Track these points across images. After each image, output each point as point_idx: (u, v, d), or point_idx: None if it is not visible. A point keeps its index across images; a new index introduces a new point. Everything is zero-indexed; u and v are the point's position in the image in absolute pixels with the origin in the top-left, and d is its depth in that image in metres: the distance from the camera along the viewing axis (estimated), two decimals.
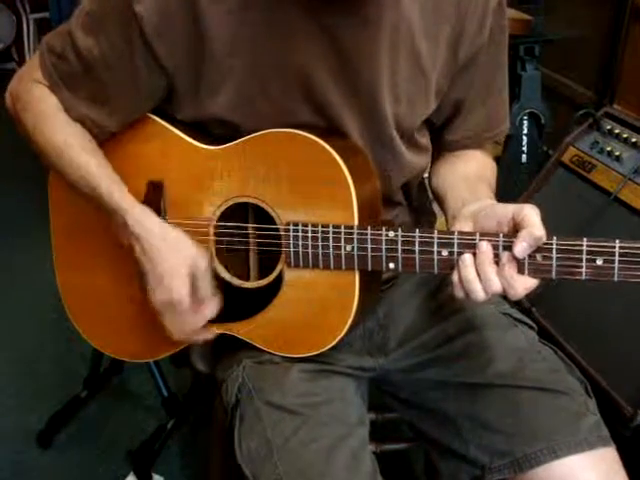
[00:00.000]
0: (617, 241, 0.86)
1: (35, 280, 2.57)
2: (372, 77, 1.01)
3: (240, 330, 1.10)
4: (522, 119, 2.37)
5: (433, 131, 1.20)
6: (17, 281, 2.66)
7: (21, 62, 4.78)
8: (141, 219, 1.04)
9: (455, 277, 0.93)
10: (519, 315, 1.19)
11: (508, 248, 0.90)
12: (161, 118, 1.10)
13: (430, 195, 1.28)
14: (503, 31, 1.11)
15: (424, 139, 1.16)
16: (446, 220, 1.11)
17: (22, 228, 2.86)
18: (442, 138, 1.20)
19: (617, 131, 1.80)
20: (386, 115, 1.05)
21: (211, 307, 1.07)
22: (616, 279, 0.87)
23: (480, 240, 0.91)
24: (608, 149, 1.78)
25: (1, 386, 2.17)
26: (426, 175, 1.25)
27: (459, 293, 0.93)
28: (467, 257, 0.92)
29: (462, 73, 1.10)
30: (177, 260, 1.04)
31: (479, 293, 0.91)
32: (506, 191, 2.36)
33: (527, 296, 0.92)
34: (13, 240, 2.87)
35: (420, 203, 1.25)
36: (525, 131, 2.38)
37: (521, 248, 0.87)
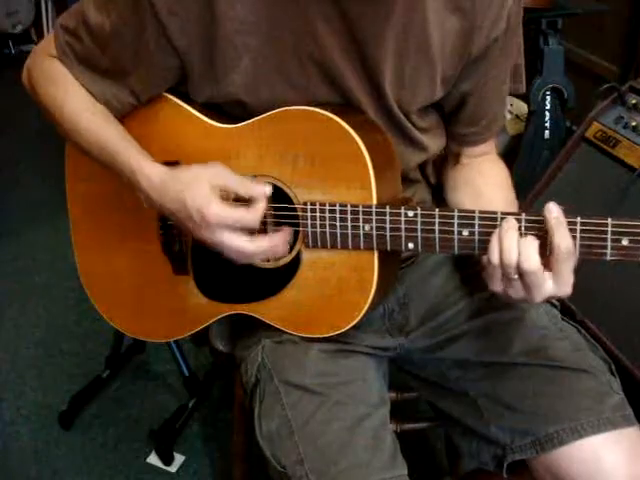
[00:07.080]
0: None
1: (57, 261, 2.59)
2: (377, 57, 0.99)
3: (259, 311, 1.09)
4: (545, 94, 2.33)
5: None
6: (39, 262, 2.68)
7: None
8: (147, 167, 1.03)
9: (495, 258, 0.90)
10: None
11: (530, 228, 0.88)
12: (177, 97, 1.09)
13: None
14: (518, 22, 1.08)
15: (425, 122, 1.12)
16: None
17: (44, 211, 2.87)
18: (450, 130, 1.17)
19: None
20: (389, 96, 1.03)
21: (259, 202, 0.98)
22: None
23: (502, 218, 0.90)
24: (633, 124, 1.74)
25: (23, 367, 2.19)
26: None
27: (496, 285, 0.93)
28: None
29: (472, 66, 1.07)
30: (194, 185, 0.98)
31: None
32: (529, 168, 2.33)
33: None
34: (36, 223, 2.88)
35: (439, 181, 1.23)
36: (548, 106, 2.34)
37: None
